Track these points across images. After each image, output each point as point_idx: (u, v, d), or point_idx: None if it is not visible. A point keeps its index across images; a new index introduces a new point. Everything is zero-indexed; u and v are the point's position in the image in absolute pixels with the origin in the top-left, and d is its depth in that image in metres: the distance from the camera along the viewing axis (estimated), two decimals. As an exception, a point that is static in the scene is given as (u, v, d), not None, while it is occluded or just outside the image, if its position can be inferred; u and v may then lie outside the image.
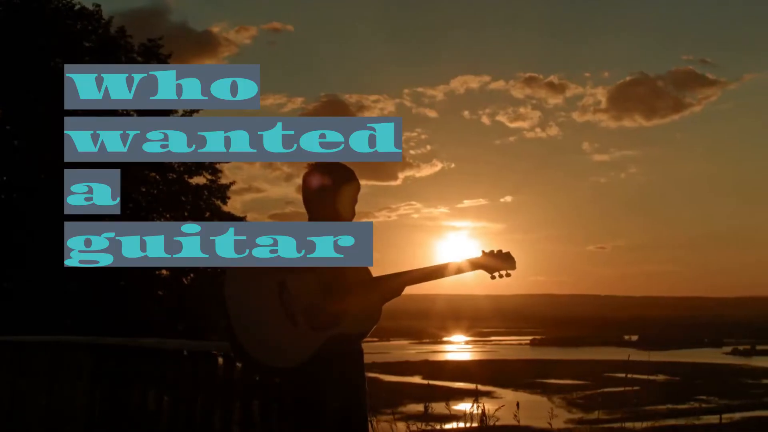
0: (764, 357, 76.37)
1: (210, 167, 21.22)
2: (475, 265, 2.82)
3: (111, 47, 19.85)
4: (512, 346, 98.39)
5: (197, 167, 21.13)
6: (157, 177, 20.82)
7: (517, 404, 5.97)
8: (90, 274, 17.53)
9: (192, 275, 20.54)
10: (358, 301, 2.63)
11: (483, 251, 2.85)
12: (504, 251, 2.85)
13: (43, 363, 4.95)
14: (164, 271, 20.37)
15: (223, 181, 21.49)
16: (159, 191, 20.81)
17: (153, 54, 20.65)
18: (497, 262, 2.82)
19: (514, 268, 2.85)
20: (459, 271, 2.81)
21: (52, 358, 4.85)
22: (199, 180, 21.31)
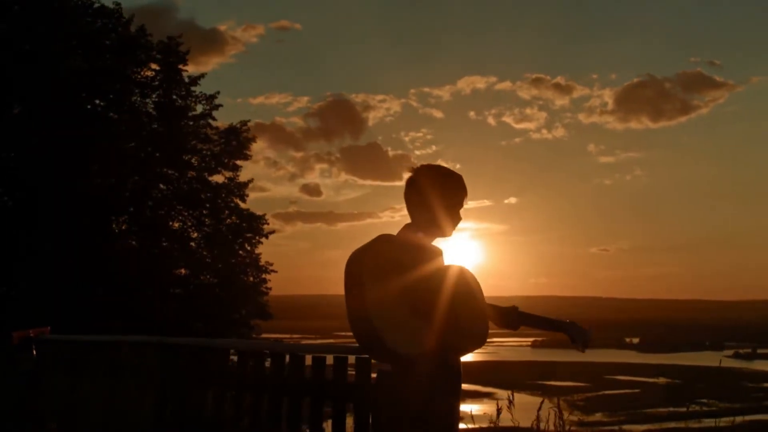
0: (765, 360, 76.21)
1: (230, 165, 21.33)
2: (562, 328, 3.03)
3: (131, 46, 19.98)
4: (513, 347, 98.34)
5: (216, 164, 21.23)
6: (176, 174, 20.91)
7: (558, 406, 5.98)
8: (101, 273, 17.72)
9: (208, 276, 20.65)
10: (482, 325, 2.76)
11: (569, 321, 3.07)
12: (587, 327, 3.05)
13: (105, 363, 4.90)
14: (182, 270, 20.49)
15: (242, 179, 21.63)
16: (178, 189, 20.88)
17: (172, 52, 20.76)
18: (578, 334, 3.04)
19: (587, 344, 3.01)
20: (556, 329, 3.03)
21: (116, 359, 4.80)
22: (217, 178, 21.45)
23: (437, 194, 2.77)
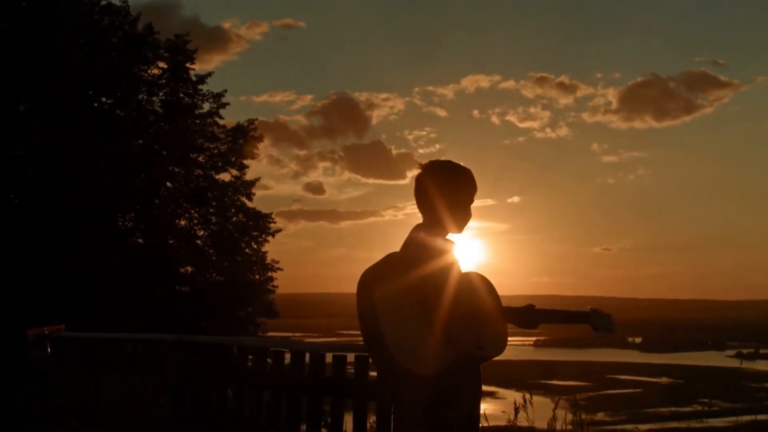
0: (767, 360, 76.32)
1: (237, 163, 21.41)
2: (582, 318, 3.01)
3: (138, 43, 20.00)
4: (516, 346, 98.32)
5: (223, 163, 21.31)
6: (183, 172, 20.97)
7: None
8: (105, 272, 17.78)
9: (214, 274, 20.73)
10: (500, 329, 2.77)
11: (590, 308, 3.04)
12: (605, 312, 3.04)
13: (122, 361, 4.94)
14: (188, 268, 20.56)
15: (247, 177, 21.70)
16: (184, 187, 20.92)
17: (180, 50, 20.77)
18: (601, 321, 3.02)
19: (613, 330, 3.01)
20: (576, 320, 2.99)
21: (132, 356, 4.84)
22: (224, 176, 21.52)
23: (438, 193, 2.72)
